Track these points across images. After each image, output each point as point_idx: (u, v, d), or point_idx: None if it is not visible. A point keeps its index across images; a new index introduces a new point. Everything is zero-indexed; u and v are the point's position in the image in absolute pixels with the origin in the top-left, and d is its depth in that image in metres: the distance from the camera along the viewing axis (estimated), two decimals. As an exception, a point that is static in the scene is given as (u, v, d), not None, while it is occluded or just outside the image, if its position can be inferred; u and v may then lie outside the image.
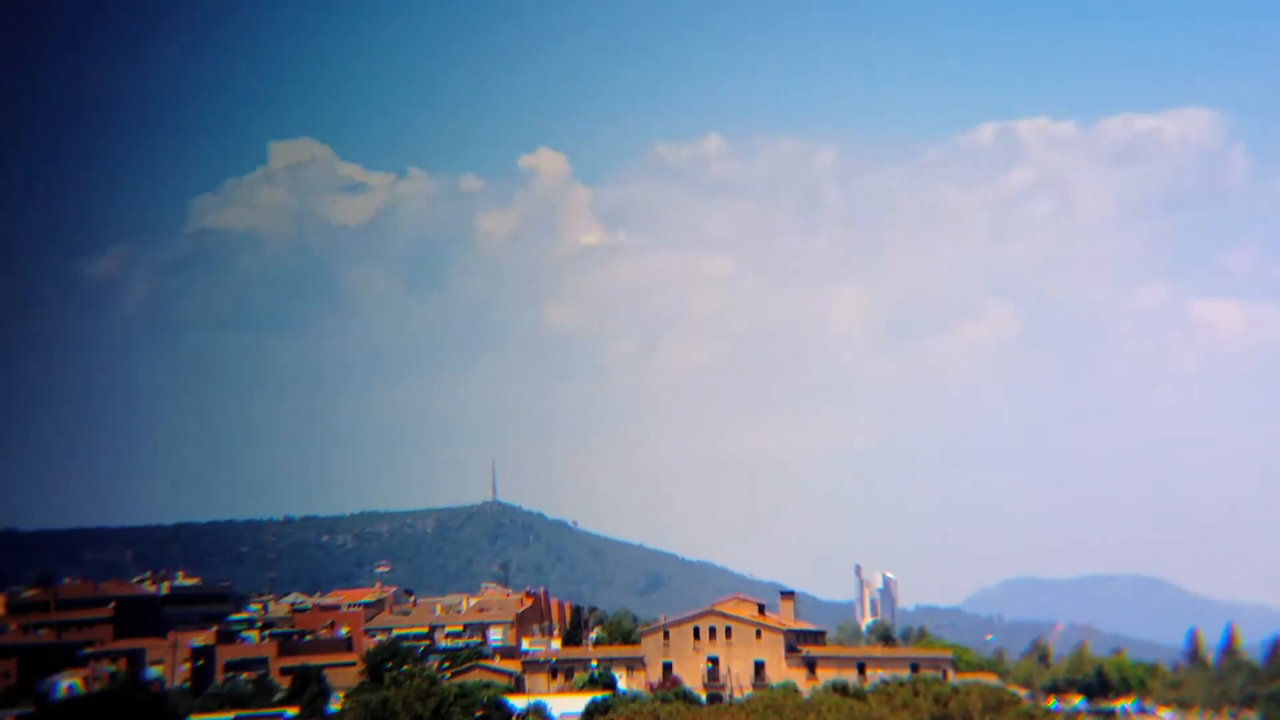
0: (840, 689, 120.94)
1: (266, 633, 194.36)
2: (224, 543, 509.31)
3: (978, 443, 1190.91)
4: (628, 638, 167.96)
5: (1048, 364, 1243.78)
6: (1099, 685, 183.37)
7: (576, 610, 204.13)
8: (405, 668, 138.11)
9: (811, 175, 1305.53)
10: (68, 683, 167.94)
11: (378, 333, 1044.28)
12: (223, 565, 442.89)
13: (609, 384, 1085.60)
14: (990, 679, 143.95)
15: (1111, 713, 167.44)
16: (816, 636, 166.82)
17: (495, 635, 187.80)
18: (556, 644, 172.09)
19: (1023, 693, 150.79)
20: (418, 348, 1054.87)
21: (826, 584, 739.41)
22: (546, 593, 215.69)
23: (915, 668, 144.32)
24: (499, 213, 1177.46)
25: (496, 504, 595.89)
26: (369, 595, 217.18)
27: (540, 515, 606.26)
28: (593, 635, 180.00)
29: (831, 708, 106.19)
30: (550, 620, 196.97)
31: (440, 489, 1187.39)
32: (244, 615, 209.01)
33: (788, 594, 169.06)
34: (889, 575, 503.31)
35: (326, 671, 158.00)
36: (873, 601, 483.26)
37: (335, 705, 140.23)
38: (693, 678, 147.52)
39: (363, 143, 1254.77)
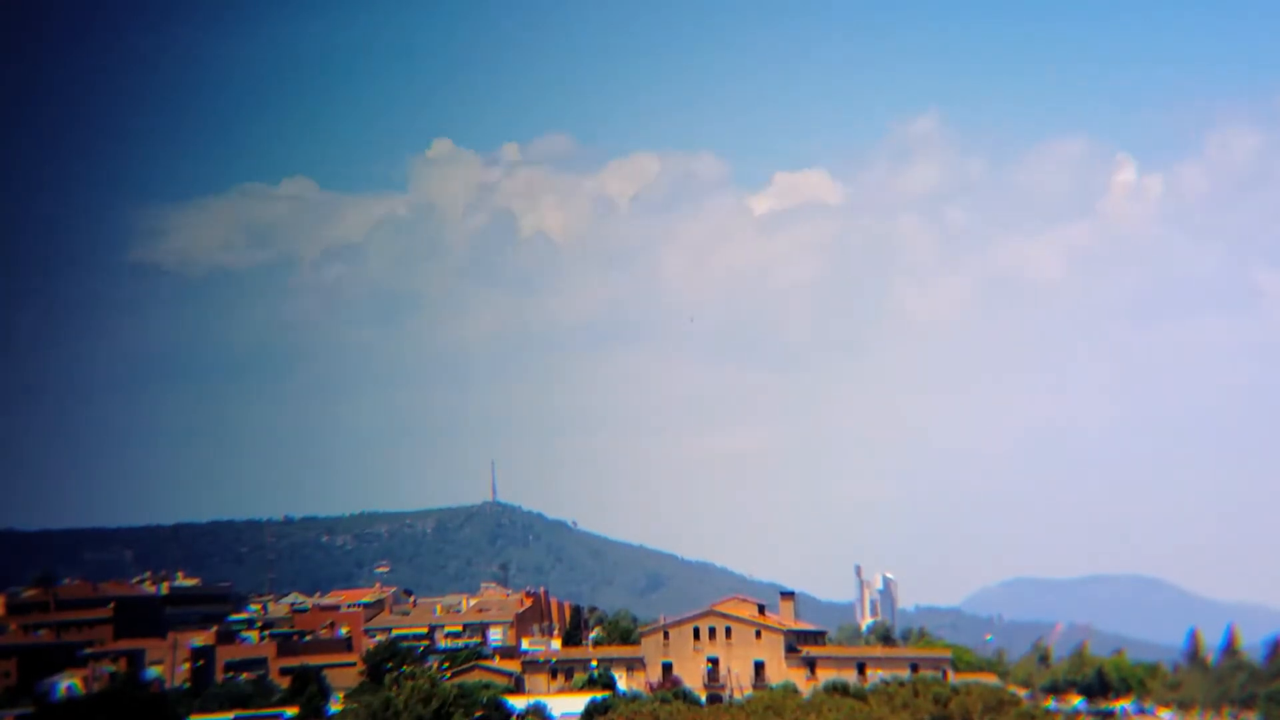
0: (840, 689, 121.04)
1: (266, 633, 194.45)
2: (224, 543, 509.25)
3: (978, 443, 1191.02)
4: (627, 638, 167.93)
5: (1046, 365, 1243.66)
6: (1099, 685, 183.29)
7: (576, 610, 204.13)
8: (405, 668, 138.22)
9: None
10: (68, 683, 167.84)
11: (378, 333, 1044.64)
12: (223, 565, 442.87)
13: (611, 383, 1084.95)
14: (990, 679, 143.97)
15: (1111, 713, 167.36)
16: (816, 637, 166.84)
17: (495, 635, 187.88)
18: (556, 644, 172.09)
19: (1023, 693, 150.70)
20: (418, 348, 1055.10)
21: (826, 584, 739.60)
22: (546, 593, 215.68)
23: (915, 668, 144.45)
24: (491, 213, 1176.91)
25: (496, 504, 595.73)
26: (369, 595, 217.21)
27: (540, 515, 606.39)
28: (592, 635, 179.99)
29: (831, 708, 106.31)
30: (550, 620, 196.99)
31: (440, 489, 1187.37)
32: (244, 615, 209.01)
33: (788, 594, 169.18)
34: (889, 576, 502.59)
35: (326, 672, 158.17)
36: (873, 602, 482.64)
37: (335, 705, 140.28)
38: (693, 678, 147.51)
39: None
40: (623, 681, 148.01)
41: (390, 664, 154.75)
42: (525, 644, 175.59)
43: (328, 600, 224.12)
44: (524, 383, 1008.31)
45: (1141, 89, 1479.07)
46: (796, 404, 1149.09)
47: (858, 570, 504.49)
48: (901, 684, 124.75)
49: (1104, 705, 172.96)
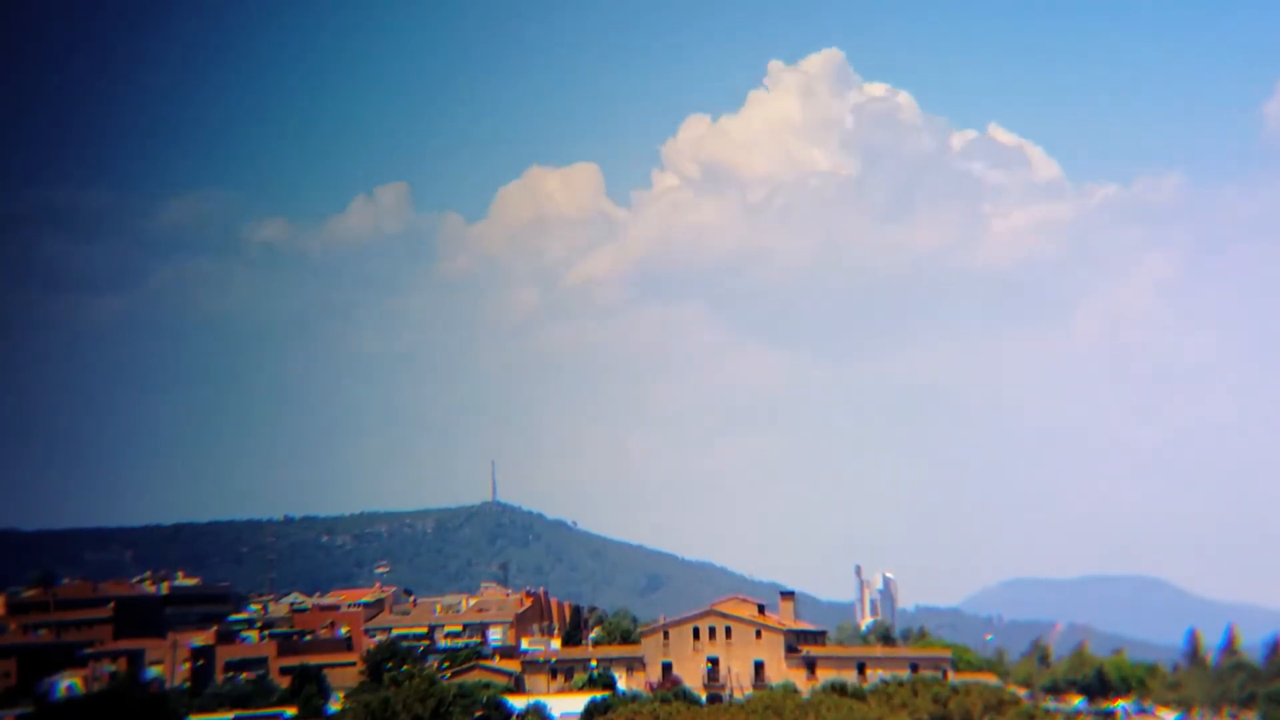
0: (840, 689, 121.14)
1: (266, 633, 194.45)
2: (224, 543, 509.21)
3: (978, 443, 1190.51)
4: (627, 638, 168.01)
5: (1044, 365, 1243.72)
6: (1099, 685, 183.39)
7: (576, 610, 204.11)
8: (405, 667, 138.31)
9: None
10: (67, 683, 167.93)
11: (377, 333, 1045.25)
12: (222, 565, 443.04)
13: (610, 384, 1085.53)
14: (990, 679, 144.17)
15: (1111, 713, 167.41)
16: (816, 636, 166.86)
17: (495, 635, 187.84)
18: (556, 644, 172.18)
19: (1022, 693, 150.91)
20: (416, 347, 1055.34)
21: (826, 584, 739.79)
22: (546, 593, 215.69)
23: (915, 668, 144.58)
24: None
25: (496, 504, 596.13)
26: (369, 595, 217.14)
27: (540, 515, 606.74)
28: (592, 635, 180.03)
29: (831, 708, 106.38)
30: (550, 620, 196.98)
31: (440, 489, 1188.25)
32: (244, 615, 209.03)
33: (788, 594, 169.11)
34: (889, 575, 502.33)
35: (326, 671, 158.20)
36: (872, 602, 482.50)
37: (335, 705, 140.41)
38: (693, 678, 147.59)
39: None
40: (623, 681, 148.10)
41: (390, 664, 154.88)
42: (525, 644, 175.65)
43: (328, 600, 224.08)
44: (524, 382, 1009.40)
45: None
46: (797, 404, 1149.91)
47: (858, 570, 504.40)
48: (901, 684, 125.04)
49: (1104, 705, 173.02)
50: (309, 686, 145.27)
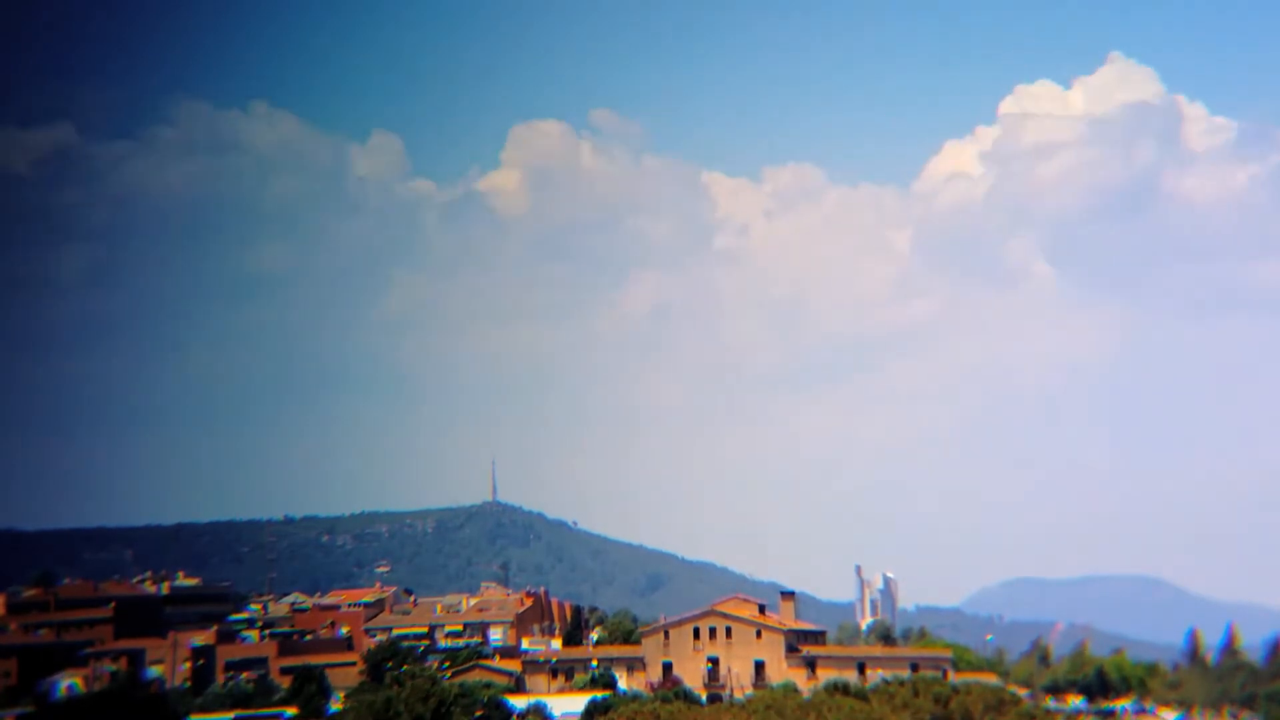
0: (840, 689, 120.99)
1: (267, 633, 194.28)
2: (224, 543, 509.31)
3: (978, 442, 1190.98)
4: (628, 638, 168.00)
5: (1043, 365, 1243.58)
6: (1099, 685, 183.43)
7: (577, 610, 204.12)
8: (405, 667, 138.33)
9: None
10: (68, 683, 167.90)
11: (378, 331, 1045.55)
12: (223, 565, 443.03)
13: (610, 383, 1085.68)
14: (990, 679, 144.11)
15: (1111, 712, 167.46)
16: (817, 636, 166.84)
17: (495, 635, 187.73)
18: (557, 644, 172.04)
19: (1023, 693, 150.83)
20: (416, 346, 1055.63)
21: (827, 584, 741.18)
22: (547, 593, 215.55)
23: (915, 668, 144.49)
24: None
25: (496, 504, 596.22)
26: (369, 595, 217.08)
27: (540, 515, 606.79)
28: (593, 635, 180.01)
29: (832, 708, 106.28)
30: (551, 620, 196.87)
31: (440, 489, 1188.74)
32: (244, 615, 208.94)
33: (788, 594, 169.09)
34: (889, 575, 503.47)
35: (327, 671, 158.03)
36: (873, 602, 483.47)
37: (336, 705, 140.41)
38: (693, 678, 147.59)
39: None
40: (623, 681, 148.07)
41: (391, 663, 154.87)
42: (526, 644, 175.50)
43: (328, 600, 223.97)
44: (524, 382, 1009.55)
45: None
46: (797, 404, 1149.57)
47: (858, 570, 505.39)
48: (902, 683, 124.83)
49: (1104, 705, 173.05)
50: (309, 686, 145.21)
